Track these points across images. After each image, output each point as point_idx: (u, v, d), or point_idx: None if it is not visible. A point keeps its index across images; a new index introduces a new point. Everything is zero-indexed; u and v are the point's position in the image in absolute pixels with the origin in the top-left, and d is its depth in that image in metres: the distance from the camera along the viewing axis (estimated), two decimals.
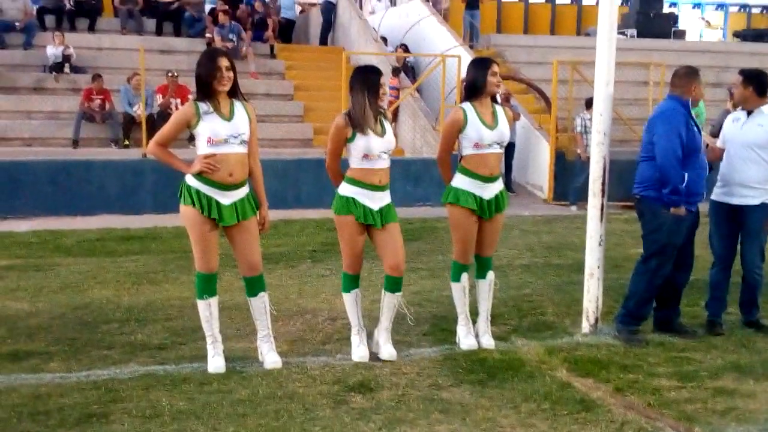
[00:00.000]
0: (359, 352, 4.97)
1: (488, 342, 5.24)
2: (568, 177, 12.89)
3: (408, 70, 16.06)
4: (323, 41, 18.44)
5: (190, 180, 4.61)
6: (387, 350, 4.97)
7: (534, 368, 4.83)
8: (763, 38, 21.43)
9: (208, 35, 16.10)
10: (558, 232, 10.51)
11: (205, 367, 4.77)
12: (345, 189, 4.86)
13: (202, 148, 4.59)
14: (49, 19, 16.30)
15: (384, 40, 17.65)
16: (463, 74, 14.54)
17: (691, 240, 5.51)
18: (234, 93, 4.65)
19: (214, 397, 4.28)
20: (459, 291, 5.31)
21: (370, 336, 5.13)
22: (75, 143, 13.20)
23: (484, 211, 5.13)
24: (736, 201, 5.58)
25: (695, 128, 5.29)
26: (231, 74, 4.56)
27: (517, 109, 14.06)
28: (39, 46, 15.23)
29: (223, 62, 4.54)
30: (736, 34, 23.33)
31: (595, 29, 19.71)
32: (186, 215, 4.65)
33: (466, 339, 5.26)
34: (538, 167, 14.06)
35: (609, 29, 5.40)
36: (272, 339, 4.95)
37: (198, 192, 4.58)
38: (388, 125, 4.90)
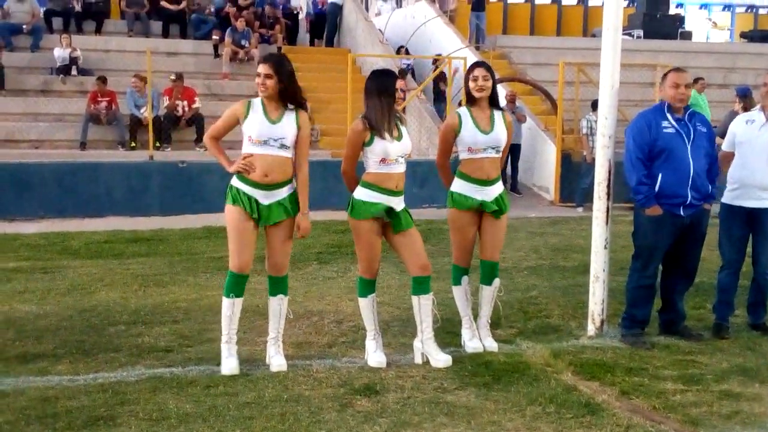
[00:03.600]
0: (376, 357, 4.95)
1: (491, 345, 5.25)
2: (574, 179, 12.89)
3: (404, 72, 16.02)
4: (329, 43, 18.48)
5: (235, 180, 4.76)
6: (419, 356, 5.00)
7: (539, 371, 4.83)
8: None
9: (215, 37, 16.16)
10: (564, 234, 10.50)
11: (211, 370, 4.80)
12: (361, 193, 4.84)
13: (245, 146, 4.74)
14: (57, 22, 16.40)
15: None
16: None
17: (693, 245, 5.46)
18: (290, 99, 4.74)
19: (221, 399, 4.30)
20: (460, 294, 5.33)
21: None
22: (82, 145, 13.27)
23: (486, 206, 5.13)
24: (753, 204, 5.53)
25: (673, 129, 5.26)
26: (270, 81, 4.64)
27: (523, 111, 14.08)
28: (46, 48, 15.32)
29: (262, 69, 4.67)
30: (743, 35, 23.28)
31: (601, 30, 19.68)
32: (227, 213, 4.77)
33: (471, 342, 5.27)
34: (545, 169, 14.06)
35: (614, 31, 5.41)
36: (281, 342, 4.99)
37: (240, 191, 4.70)
38: (404, 129, 4.92)
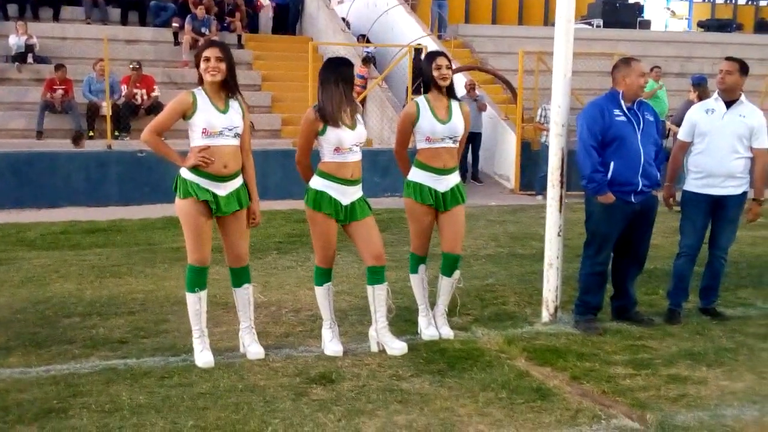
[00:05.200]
0: (332, 346, 4.98)
1: (447, 333, 5.31)
2: (534, 167, 13.01)
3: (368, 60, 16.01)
4: (291, 31, 18.36)
5: (186, 173, 4.64)
6: (374, 345, 5.04)
7: (493, 358, 4.90)
8: (726, 28, 21.74)
9: (175, 24, 15.96)
10: (523, 222, 10.61)
11: (166, 361, 4.79)
12: (316, 182, 4.84)
13: (196, 139, 4.61)
14: (12, 8, 16.05)
15: (347, 24, 17.62)
16: None
17: (644, 231, 5.57)
18: (229, 86, 4.66)
19: (175, 390, 4.29)
20: (417, 282, 5.37)
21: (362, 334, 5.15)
22: (39, 134, 13.04)
23: (440, 203, 5.16)
24: (718, 192, 5.60)
25: (625, 117, 5.34)
26: (222, 66, 4.57)
27: (484, 100, 14.15)
28: (1, 35, 14.98)
29: (212, 53, 4.57)
30: (700, 24, 23.64)
31: None
32: (182, 208, 4.66)
33: (427, 329, 5.32)
34: (505, 157, 14.17)
35: (566, 21, 5.46)
36: (254, 330, 5.00)
37: (195, 184, 4.61)
38: (359, 118, 4.91)
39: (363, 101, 14.28)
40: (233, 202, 4.70)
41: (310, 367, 4.70)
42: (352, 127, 4.77)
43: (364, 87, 14.30)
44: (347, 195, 4.82)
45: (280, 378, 4.53)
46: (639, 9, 22.50)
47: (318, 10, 17.63)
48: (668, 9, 25.18)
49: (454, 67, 14.81)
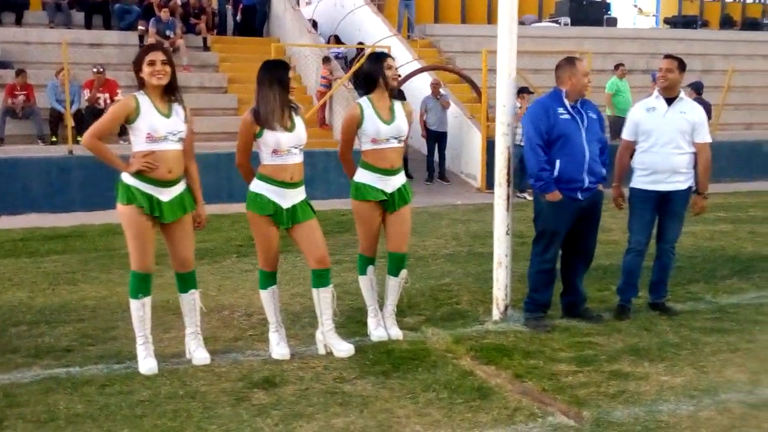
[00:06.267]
0: (279, 350, 4.97)
1: (396, 333, 5.31)
2: None
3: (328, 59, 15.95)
4: (259, 32, 18.29)
5: (128, 178, 4.58)
6: (321, 347, 5.04)
7: (439, 357, 4.90)
8: (692, 24, 21.94)
9: (140, 27, 15.85)
10: (486, 220, 10.55)
11: (110, 369, 4.76)
12: (256, 185, 4.84)
13: (139, 144, 4.56)
14: None
15: (314, 25, 17.58)
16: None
17: (590, 227, 5.61)
18: (173, 90, 4.64)
19: (114, 399, 4.26)
20: (366, 283, 5.38)
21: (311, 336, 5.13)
22: (0, 141, 12.89)
23: (387, 203, 5.17)
24: (664, 187, 5.66)
25: (569, 116, 5.38)
26: (168, 68, 4.56)
27: (447, 98, 14.18)
28: None
29: (158, 56, 4.55)
30: (667, 21, 23.84)
31: (530, 17, 20.08)
32: (124, 214, 4.61)
33: (376, 331, 5.32)
34: (471, 156, 14.20)
35: (510, 20, 5.49)
36: (200, 335, 4.97)
37: (137, 190, 4.55)
38: (299, 120, 4.88)
39: (327, 102, 14.29)
40: (177, 207, 4.66)
41: (255, 372, 4.69)
42: (290, 129, 4.75)
43: (328, 87, 14.28)
44: (288, 198, 4.80)
45: (223, 383, 4.51)
46: (606, 6, 22.64)
47: (284, 12, 17.58)
48: (635, 6, 25.39)
49: (419, 66, 14.73)
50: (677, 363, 4.75)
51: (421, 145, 14.77)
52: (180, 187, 4.71)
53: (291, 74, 4.78)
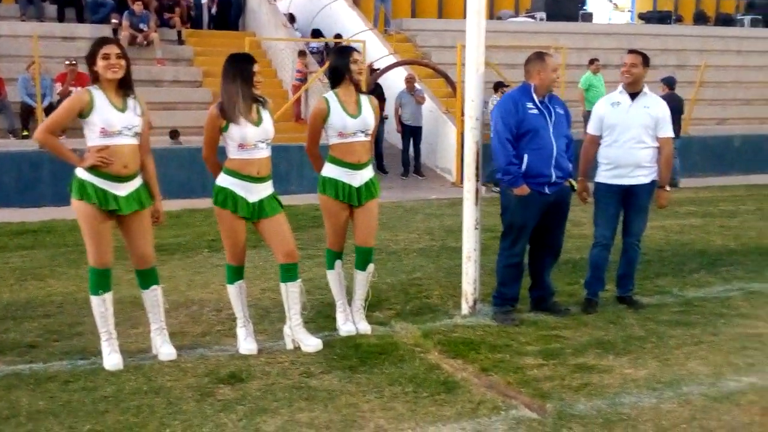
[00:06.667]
0: (246, 345, 4.95)
1: (365, 328, 5.31)
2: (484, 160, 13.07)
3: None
4: (234, 26, 18.19)
5: (82, 173, 4.52)
6: (289, 342, 5.01)
7: (407, 352, 4.91)
8: (666, 20, 22.10)
9: (114, 21, 15.70)
10: (460, 215, 10.58)
11: (74, 364, 4.71)
12: (222, 180, 4.81)
13: (93, 139, 4.50)
14: None
15: (292, 18, 17.49)
16: (368, 60, 14.59)
17: (558, 222, 5.64)
18: (128, 84, 4.59)
19: (77, 395, 4.22)
20: (334, 278, 5.37)
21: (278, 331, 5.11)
22: None
23: (353, 198, 5.16)
24: (628, 182, 5.70)
25: (537, 110, 5.41)
26: (123, 62, 4.51)
27: (422, 93, 14.19)
28: None
29: (112, 49, 4.49)
30: (641, 16, 24.00)
31: (506, 12, 20.04)
32: (79, 209, 4.56)
33: (344, 325, 5.32)
34: (446, 151, 14.23)
35: (477, 15, 5.50)
36: (166, 331, 4.94)
37: (91, 185, 4.50)
38: (266, 114, 4.85)
39: (304, 96, 14.24)
40: (133, 203, 4.62)
41: (222, 367, 4.67)
42: (257, 123, 4.73)
43: (303, 81, 14.23)
44: (254, 192, 4.78)
45: (189, 378, 4.49)
46: (581, 2, 22.75)
47: (260, 5, 17.49)
48: (610, 1, 25.54)
49: (395, 61, 14.70)
50: (641, 356, 4.79)
51: (396, 140, 14.77)
52: (136, 183, 4.66)
53: (257, 68, 4.74)
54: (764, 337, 5.16)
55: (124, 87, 4.57)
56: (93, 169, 4.49)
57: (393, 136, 14.97)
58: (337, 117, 5.08)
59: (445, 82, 15.40)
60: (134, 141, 4.58)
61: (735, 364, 4.64)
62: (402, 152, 14.34)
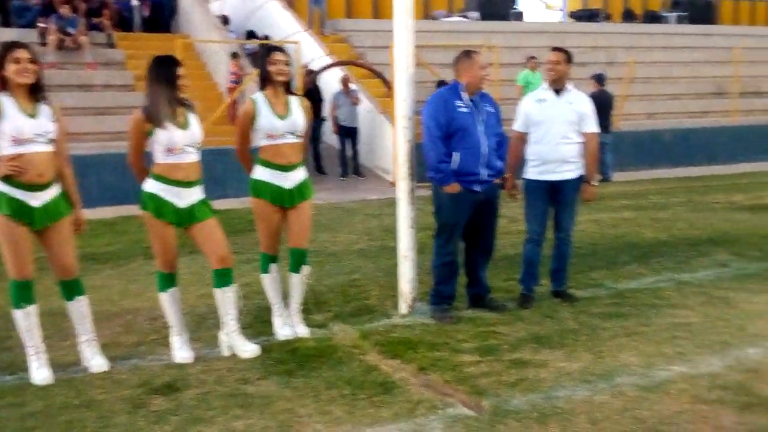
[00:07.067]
0: (181, 353, 4.87)
1: (303, 331, 5.28)
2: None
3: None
4: (166, 28, 17.89)
5: None
6: (225, 349, 4.94)
7: (345, 354, 4.89)
8: (595, 18, 22.57)
9: (41, 24, 15.28)
10: None
11: (1, 380, 4.55)
12: (150, 185, 4.72)
13: (5, 147, 4.34)
14: None
15: (225, 20, 17.30)
16: (303, 61, 14.52)
17: (489, 219, 5.69)
18: (40, 89, 4.46)
19: (4, 411, 4.09)
20: (269, 282, 5.32)
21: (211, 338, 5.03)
22: None
23: (285, 199, 5.12)
24: (556, 177, 5.79)
25: (467, 109, 5.46)
26: (33, 67, 4.37)
27: (357, 94, 14.20)
28: None
29: (23, 54, 4.35)
30: (572, 15, 24.46)
31: (440, 12, 20.18)
32: None
33: (281, 329, 5.27)
34: (384, 151, 14.26)
35: (406, 15, 5.52)
36: (96, 342, 4.82)
37: (4, 195, 4.34)
38: (193, 117, 4.77)
39: (240, 98, 14.07)
40: (51, 212, 4.48)
41: (156, 377, 4.57)
42: (184, 126, 4.65)
43: (238, 83, 14.09)
44: (183, 197, 4.69)
45: (122, 390, 4.38)
46: (512, 1, 23.06)
47: (192, 7, 17.24)
48: (542, 1, 25.97)
49: (331, 62, 14.62)
50: (576, 349, 4.87)
51: (334, 140, 14.74)
52: (53, 191, 4.52)
53: (181, 70, 4.65)
54: (693, 326, 5.30)
55: (36, 92, 4.43)
56: (6, 179, 4.33)
57: (331, 137, 14.94)
58: (265, 118, 5.03)
59: (382, 82, 15.43)
60: (49, 148, 4.44)
61: (665, 354, 4.75)
62: (339, 153, 14.32)
